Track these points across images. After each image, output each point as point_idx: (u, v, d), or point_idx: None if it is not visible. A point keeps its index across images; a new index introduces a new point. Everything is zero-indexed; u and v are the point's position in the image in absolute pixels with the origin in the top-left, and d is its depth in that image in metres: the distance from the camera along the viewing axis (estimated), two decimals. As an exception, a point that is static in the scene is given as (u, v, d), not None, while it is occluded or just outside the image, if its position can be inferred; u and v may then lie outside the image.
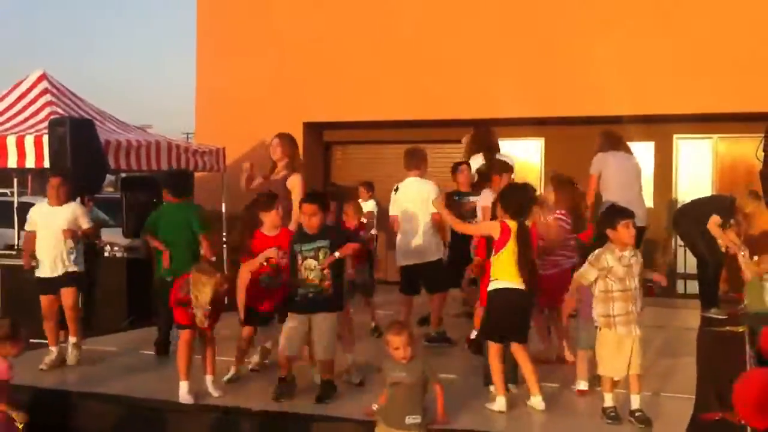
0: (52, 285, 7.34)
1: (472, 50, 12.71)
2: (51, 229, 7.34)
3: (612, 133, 9.36)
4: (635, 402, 5.55)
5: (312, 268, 6.08)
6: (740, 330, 8.22)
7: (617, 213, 5.77)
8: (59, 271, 7.32)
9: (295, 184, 7.64)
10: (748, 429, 5.34)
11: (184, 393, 6.20)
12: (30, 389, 6.47)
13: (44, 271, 7.36)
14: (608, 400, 5.61)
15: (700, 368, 6.90)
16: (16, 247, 10.80)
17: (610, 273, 5.58)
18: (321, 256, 6.08)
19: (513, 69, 12.40)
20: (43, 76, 11.07)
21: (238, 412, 5.96)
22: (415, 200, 8.08)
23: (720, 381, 6.50)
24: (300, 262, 6.12)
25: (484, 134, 9.56)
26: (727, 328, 8.46)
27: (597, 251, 5.67)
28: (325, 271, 6.07)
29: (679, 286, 12.14)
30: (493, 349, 5.87)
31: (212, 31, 14.51)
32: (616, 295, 5.57)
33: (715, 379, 6.57)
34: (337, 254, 6.09)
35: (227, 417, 5.94)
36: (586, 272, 5.67)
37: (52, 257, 7.31)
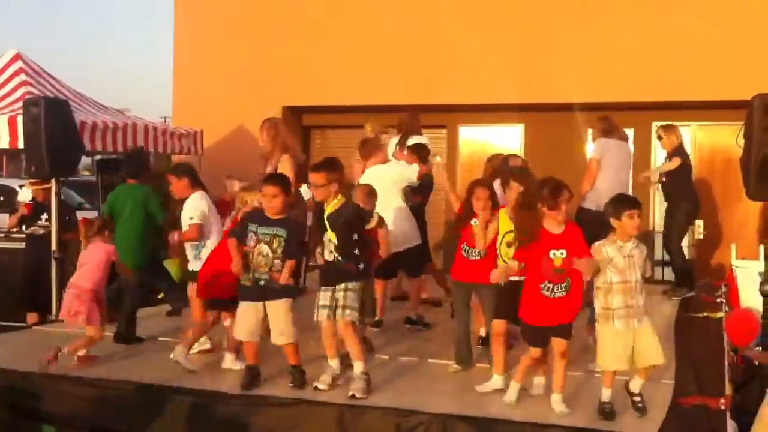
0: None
1: (453, 35, 12.67)
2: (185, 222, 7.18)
3: (611, 118, 9.38)
4: (637, 386, 5.43)
5: (264, 254, 5.97)
6: (718, 316, 8.28)
7: (623, 202, 5.52)
8: (190, 266, 7.12)
9: (284, 166, 7.47)
10: (728, 413, 5.37)
11: (232, 360, 6.33)
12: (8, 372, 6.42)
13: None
14: (606, 395, 5.38)
15: (679, 353, 6.92)
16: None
17: (611, 264, 5.36)
18: (275, 245, 5.96)
19: (494, 55, 12.37)
20: (18, 56, 10.92)
21: (215, 396, 5.92)
22: (382, 186, 7.53)
23: (699, 366, 6.56)
24: (253, 244, 6.01)
25: (409, 119, 9.49)
26: (706, 313, 8.50)
27: (597, 243, 5.46)
28: (276, 261, 5.96)
29: (657, 272, 12.20)
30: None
31: (191, 13, 14.34)
32: (615, 288, 5.36)
33: (694, 364, 6.61)
34: (282, 282, 5.92)
35: (204, 401, 5.90)
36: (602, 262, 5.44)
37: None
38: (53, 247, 8.87)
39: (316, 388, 5.92)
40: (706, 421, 5.31)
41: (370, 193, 7.12)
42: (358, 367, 5.92)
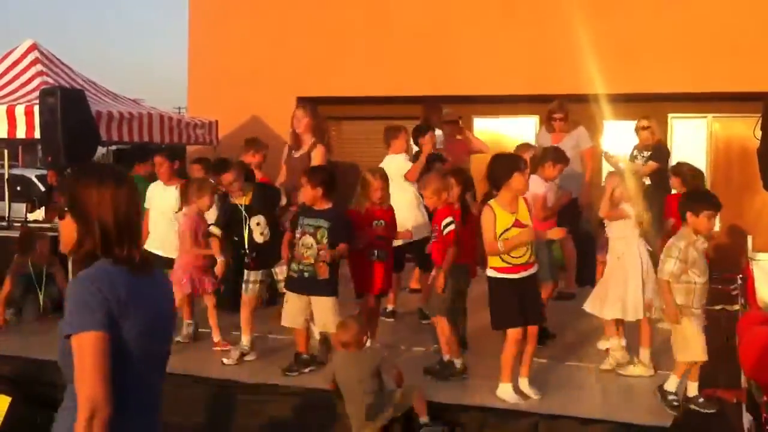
0: (161, 262, 7.13)
1: (468, 27, 12.63)
2: (160, 209, 7.14)
3: None
4: (693, 389, 5.37)
5: (309, 245, 6.02)
6: (735, 308, 8.24)
7: (705, 201, 5.34)
8: (168, 253, 7.11)
9: (317, 156, 7.44)
10: (743, 406, 5.35)
11: None
12: (19, 359, 6.47)
13: (153, 246, 7.18)
14: (673, 384, 5.28)
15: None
16: (7, 219, 10.73)
17: (694, 265, 5.25)
18: (318, 236, 6.01)
19: (508, 46, 12.34)
20: (34, 46, 10.94)
21: (229, 386, 5.95)
22: (394, 177, 7.46)
23: (715, 359, 6.52)
24: (299, 235, 6.07)
25: (428, 111, 9.33)
26: (722, 306, 8.46)
27: (673, 242, 5.31)
28: (321, 252, 6.00)
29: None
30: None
31: (205, 3, 14.36)
32: (697, 288, 5.27)
33: (710, 356, 6.57)
34: (328, 257, 5.99)
35: (218, 390, 5.93)
36: (671, 267, 5.26)
37: (161, 236, 7.12)
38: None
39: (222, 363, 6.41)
40: (723, 414, 5.30)
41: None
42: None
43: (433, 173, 6.47)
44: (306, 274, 6.04)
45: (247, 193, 6.50)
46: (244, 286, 6.53)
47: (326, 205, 6.09)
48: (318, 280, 6.01)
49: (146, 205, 7.31)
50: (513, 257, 5.47)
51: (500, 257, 5.46)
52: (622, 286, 6.05)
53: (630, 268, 6.07)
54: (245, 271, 6.52)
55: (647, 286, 5.99)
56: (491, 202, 5.57)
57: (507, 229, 5.43)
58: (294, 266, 6.11)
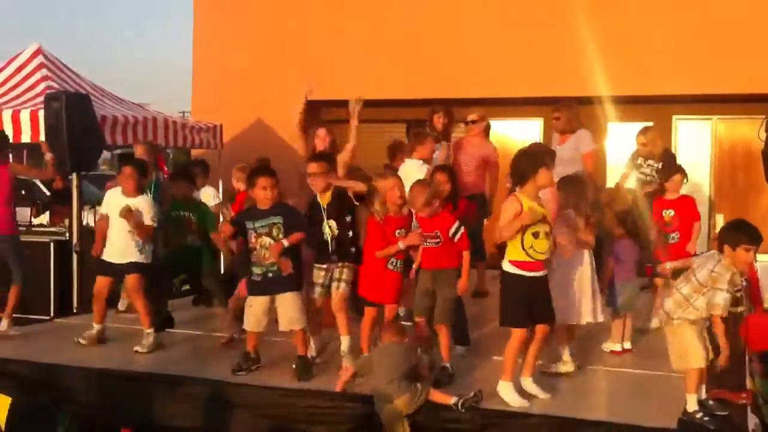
0: (112, 268, 7.14)
1: (472, 29, 12.64)
2: (118, 218, 7.12)
3: None
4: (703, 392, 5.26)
5: (267, 246, 6.02)
6: (739, 310, 8.21)
7: (744, 233, 5.04)
8: (124, 259, 7.08)
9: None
10: (749, 408, 5.33)
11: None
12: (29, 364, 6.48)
13: (108, 254, 7.14)
14: (693, 403, 5.05)
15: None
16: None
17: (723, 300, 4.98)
18: (275, 233, 6.02)
19: (513, 48, 12.34)
20: (39, 51, 10.99)
21: (224, 386, 5.95)
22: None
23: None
24: (254, 240, 6.07)
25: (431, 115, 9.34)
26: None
27: (719, 273, 4.97)
28: (273, 245, 6.00)
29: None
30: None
31: (210, 8, 14.39)
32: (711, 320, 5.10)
33: (713, 358, 6.55)
34: (285, 242, 5.99)
35: (213, 391, 5.93)
36: (724, 301, 4.98)
37: (119, 245, 7.11)
38: (74, 240, 8.96)
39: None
40: (728, 415, 5.28)
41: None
42: (345, 342, 6.20)
43: (414, 185, 6.12)
44: (270, 275, 6.03)
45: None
46: (335, 284, 6.32)
47: (271, 203, 6.08)
48: (282, 278, 6.01)
49: (104, 210, 7.29)
50: (537, 252, 5.39)
51: (524, 251, 5.36)
52: (571, 292, 6.14)
53: (574, 274, 6.18)
54: (337, 269, 6.32)
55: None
56: (517, 193, 5.46)
57: (539, 221, 5.39)
58: (256, 270, 6.09)
